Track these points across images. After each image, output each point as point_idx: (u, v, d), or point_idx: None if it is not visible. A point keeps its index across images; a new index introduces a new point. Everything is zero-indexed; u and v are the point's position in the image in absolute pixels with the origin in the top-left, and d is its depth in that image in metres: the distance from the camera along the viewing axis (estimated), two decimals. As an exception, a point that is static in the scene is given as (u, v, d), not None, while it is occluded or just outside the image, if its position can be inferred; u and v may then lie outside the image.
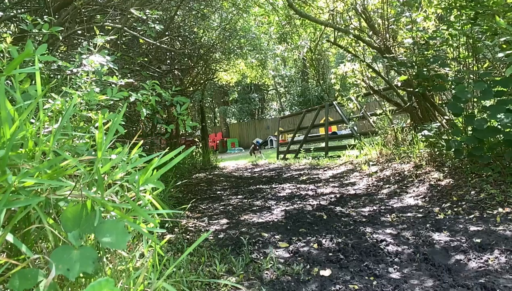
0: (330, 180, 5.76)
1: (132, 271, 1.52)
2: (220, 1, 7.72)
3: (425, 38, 4.41)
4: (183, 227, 3.44)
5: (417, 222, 2.99)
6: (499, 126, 3.28)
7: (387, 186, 4.51)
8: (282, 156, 11.14)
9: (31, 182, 1.12)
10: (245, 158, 13.33)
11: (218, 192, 5.70)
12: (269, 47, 10.63)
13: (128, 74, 4.01)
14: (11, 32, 3.75)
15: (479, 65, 4.16)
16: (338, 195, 4.42)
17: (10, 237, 1.02)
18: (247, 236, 2.99)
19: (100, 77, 2.21)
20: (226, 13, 8.51)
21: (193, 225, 3.55)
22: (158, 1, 4.93)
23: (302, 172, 7.12)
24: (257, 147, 12.43)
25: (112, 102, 2.19)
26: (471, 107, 3.97)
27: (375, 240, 2.63)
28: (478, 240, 2.39)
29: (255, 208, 4.21)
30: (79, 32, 3.63)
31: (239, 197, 5.11)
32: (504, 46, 3.47)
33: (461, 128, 3.89)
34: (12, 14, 3.47)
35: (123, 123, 1.97)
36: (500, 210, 2.86)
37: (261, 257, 2.49)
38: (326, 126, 9.42)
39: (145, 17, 3.26)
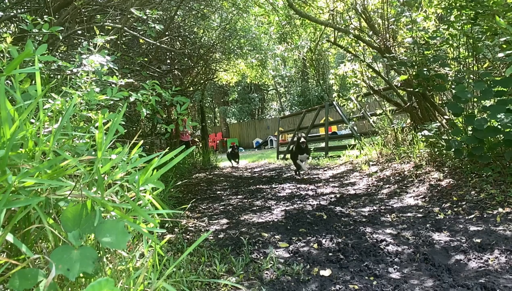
0: (330, 180, 5.76)
1: (132, 271, 1.52)
2: (220, 1, 7.72)
3: (425, 38, 4.41)
4: (183, 227, 3.44)
5: (417, 222, 2.99)
6: (499, 126, 3.28)
7: (387, 186, 4.51)
8: (282, 155, 11.15)
9: (31, 182, 1.12)
10: (245, 158, 13.33)
11: (218, 192, 5.69)
12: (269, 47, 10.63)
13: (128, 74, 4.01)
14: (11, 32, 3.75)
15: (479, 65, 4.16)
16: (338, 195, 4.42)
17: (10, 237, 1.02)
18: (247, 236, 2.99)
19: (100, 77, 2.21)
20: (226, 13, 8.51)
21: (193, 225, 3.55)
22: (158, 1, 4.93)
23: (302, 172, 7.12)
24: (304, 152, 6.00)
25: (112, 102, 2.19)
26: (471, 107, 3.97)
27: (375, 240, 2.63)
28: (478, 240, 2.39)
29: (255, 208, 4.21)
30: (79, 32, 3.63)
31: (239, 197, 5.11)
32: (504, 46, 3.47)
33: (461, 128, 3.89)
34: (12, 14, 3.47)
35: (123, 123, 1.97)
36: (500, 210, 2.86)
37: (261, 257, 2.49)
38: (326, 126, 9.43)
39: (145, 17, 3.26)
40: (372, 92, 6.56)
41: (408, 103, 5.58)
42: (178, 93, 2.88)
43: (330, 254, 2.47)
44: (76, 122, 1.86)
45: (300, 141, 5.84)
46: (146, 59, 5.11)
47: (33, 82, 1.61)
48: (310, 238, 2.85)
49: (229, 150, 10.85)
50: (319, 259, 2.38)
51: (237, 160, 10.80)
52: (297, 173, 6.31)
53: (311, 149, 9.96)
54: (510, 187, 3.16)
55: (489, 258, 2.13)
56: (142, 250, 1.74)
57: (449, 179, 3.86)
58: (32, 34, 2.38)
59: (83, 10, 3.74)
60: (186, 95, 9.08)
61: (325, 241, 2.73)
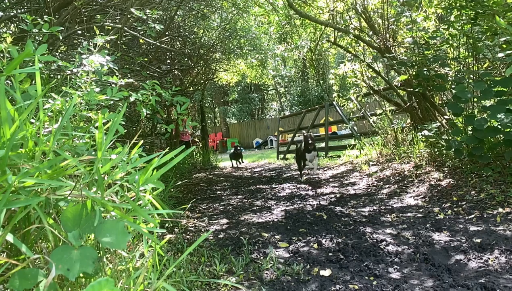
0: (330, 180, 5.76)
1: (132, 271, 1.52)
2: (220, 1, 7.72)
3: (425, 38, 4.42)
4: (183, 227, 3.44)
5: (417, 222, 2.99)
6: (499, 126, 3.28)
7: (387, 186, 4.51)
8: (282, 155, 11.15)
9: (31, 182, 1.12)
10: (245, 158, 13.31)
11: (218, 192, 5.70)
12: (269, 47, 10.62)
13: (128, 74, 4.01)
14: (11, 32, 3.75)
15: (479, 65, 4.16)
16: (338, 195, 4.42)
17: (10, 237, 1.02)
18: (247, 236, 2.99)
19: (100, 77, 2.21)
20: (226, 13, 8.52)
21: (193, 225, 3.55)
22: (158, 1, 4.93)
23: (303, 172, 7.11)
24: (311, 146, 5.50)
25: (112, 102, 2.19)
26: (471, 107, 3.97)
27: (375, 240, 2.63)
28: (478, 240, 2.39)
29: (255, 208, 4.21)
30: (79, 32, 3.63)
31: (239, 197, 5.11)
32: (504, 46, 3.47)
33: (461, 128, 3.89)
34: (12, 14, 3.47)
35: (123, 123, 1.97)
36: (500, 210, 2.86)
37: (261, 257, 2.49)
38: (326, 126, 9.42)
39: (145, 17, 3.26)
40: (372, 92, 6.56)
41: (408, 103, 5.58)
42: (178, 93, 2.88)
43: (330, 254, 2.47)
44: (76, 122, 1.86)
45: (309, 141, 5.48)
46: (146, 59, 5.11)
47: (33, 82, 1.61)
48: (310, 238, 2.85)
49: (232, 150, 10.57)
50: (319, 259, 2.38)
51: (240, 161, 10.48)
52: (301, 173, 6.03)
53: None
54: (510, 187, 3.16)
55: (489, 258, 2.13)
56: (142, 250, 1.74)
57: (449, 179, 3.86)
58: (32, 34, 2.38)
59: (83, 10, 3.74)
60: (186, 95, 9.07)
61: (325, 241, 2.72)
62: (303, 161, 5.66)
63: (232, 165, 10.74)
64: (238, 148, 10.45)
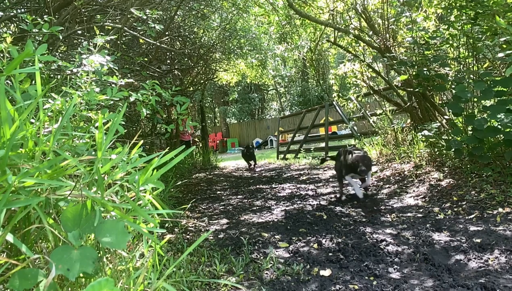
0: (330, 180, 5.76)
1: (132, 271, 1.52)
2: (220, 1, 7.72)
3: (425, 38, 4.41)
4: (183, 227, 3.44)
5: (417, 222, 2.99)
6: (499, 126, 3.28)
7: (387, 186, 4.51)
8: (282, 156, 11.14)
9: (31, 182, 1.12)
10: (245, 158, 13.30)
11: (218, 192, 5.69)
12: (269, 47, 10.61)
13: (128, 74, 4.01)
14: (11, 32, 3.75)
15: (479, 65, 4.16)
16: (338, 195, 4.41)
17: (10, 237, 1.02)
18: (247, 236, 2.99)
19: (100, 77, 2.21)
20: (226, 13, 8.51)
21: (193, 225, 3.55)
22: (158, 1, 4.93)
23: (302, 172, 7.12)
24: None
25: (112, 102, 2.19)
26: (471, 107, 3.97)
27: (375, 240, 2.63)
28: (478, 240, 2.39)
29: (255, 208, 4.21)
30: (79, 32, 3.63)
31: (239, 197, 5.11)
32: (504, 46, 3.47)
33: (461, 128, 3.89)
34: (12, 14, 3.47)
35: (123, 123, 1.97)
36: (500, 210, 2.86)
37: (261, 257, 2.49)
38: (326, 126, 9.42)
39: (145, 17, 3.26)
40: (372, 92, 6.56)
41: (408, 103, 5.58)
42: (178, 93, 2.88)
43: (330, 254, 2.47)
44: (76, 122, 1.86)
45: (361, 169, 3.78)
46: (146, 59, 5.10)
47: (33, 82, 1.61)
48: (310, 238, 2.85)
49: (244, 150, 9.23)
50: (319, 259, 2.38)
51: (252, 163, 9.12)
52: (340, 190, 4.48)
53: (311, 149, 9.95)
54: (510, 187, 3.16)
55: (489, 258, 2.13)
56: (142, 250, 1.74)
57: (449, 179, 3.86)
58: (32, 34, 2.38)
59: (83, 10, 3.74)
60: (186, 95, 9.06)
61: (325, 241, 2.72)
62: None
63: (247, 165, 9.46)
64: (251, 147, 9.31)
